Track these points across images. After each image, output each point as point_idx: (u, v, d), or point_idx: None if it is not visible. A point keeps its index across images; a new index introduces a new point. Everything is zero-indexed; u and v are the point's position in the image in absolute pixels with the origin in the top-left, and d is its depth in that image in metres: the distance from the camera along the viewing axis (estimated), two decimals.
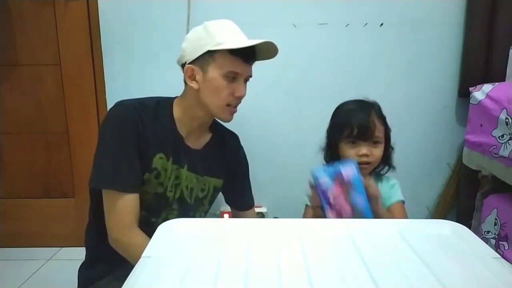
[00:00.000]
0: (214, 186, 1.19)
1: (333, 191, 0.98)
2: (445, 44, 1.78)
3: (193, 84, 1.05)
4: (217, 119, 1.16)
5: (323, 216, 1.00)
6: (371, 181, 1.02)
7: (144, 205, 1.04)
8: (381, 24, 1.77)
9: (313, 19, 1.76)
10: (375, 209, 0.99)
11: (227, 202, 1.33)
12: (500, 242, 1.46)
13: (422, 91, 1.82)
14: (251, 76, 1.09)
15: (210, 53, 1.02)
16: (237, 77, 1.03)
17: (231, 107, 1.06)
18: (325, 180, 1.00)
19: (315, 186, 1.01)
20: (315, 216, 1.06)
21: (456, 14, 1.74)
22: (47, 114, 1.91)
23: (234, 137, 1.29)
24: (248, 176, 1.31)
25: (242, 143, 1.33)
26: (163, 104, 1.09)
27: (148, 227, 0.94)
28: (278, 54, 1.91)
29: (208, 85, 1.03)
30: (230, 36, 1.02)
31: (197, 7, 1.75)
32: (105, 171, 0.99)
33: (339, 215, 0.98)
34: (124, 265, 0.74)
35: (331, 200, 0.98)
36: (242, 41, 1.02)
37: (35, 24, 1.81)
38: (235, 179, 1.26)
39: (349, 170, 0.99)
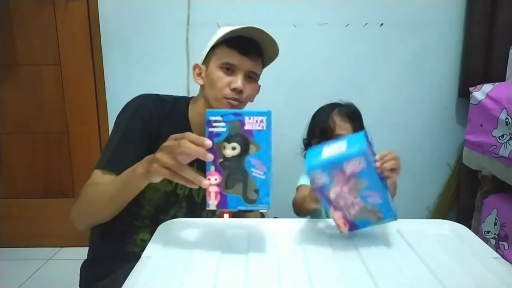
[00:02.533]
0: None
1: (334, 187, 0.76)
2: (445, 44, 1.78)
3: (199, 81, 1.08)
4: None
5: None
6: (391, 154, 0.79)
7: (152, 204, 1.04)
8: (381, 24, 1.77)
9: (313, 19, 1.77)
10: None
11: None
12: (500, 242, 1.46)
13: (422, 91, 1.82)
14: (255, 73, 1.06)
15: (212, 50, 1.05)
16: (235, 70, 1.02)
17: (230, 100, 1.03)
18: (320, 177, 0.75)
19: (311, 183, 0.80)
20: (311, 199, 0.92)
21: (456, 14, 1.74)
22: (47, 114, 1.91)
23: None
24: None
25: None
26: (180, 102, 1.10)
27: (156, 225, 0.94)
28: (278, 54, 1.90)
29: (208, 78, 1.04)
30: (229, 31, 1.02)
31: (197, 7, 1.75)
32: (105, 155, 0.99)
33: (346, 215, 0.78)
34: (126, 266, 0.74)
35: (333, 199, 0.77)
36: (230, 28, 1.02)
37: (35, 24, 1.82)
38: None
39: (355, 163, 0.73)
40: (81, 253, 1.15)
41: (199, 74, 1.08)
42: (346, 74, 1.82)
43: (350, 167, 0.73)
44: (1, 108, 1.90)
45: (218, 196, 0.72)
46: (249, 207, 0.72)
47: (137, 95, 1.10)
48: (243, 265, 0.72)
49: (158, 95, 1.09)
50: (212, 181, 0.72)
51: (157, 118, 1.02)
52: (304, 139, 1.20)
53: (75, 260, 1.16)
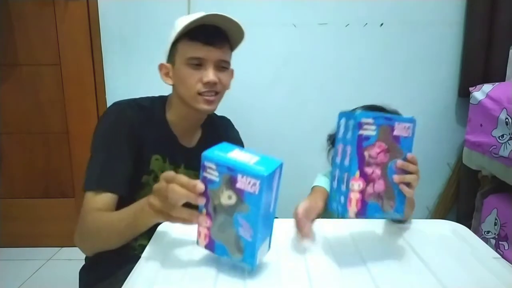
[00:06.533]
0: None
1: (373, 146, 0.70)
2: (445, 44, 1.78)
3: (168, 81, 1.03)
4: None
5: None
6: (414, 158, 0.75)
7: None
8: (381, 24, 1.77)
9: (313, 19, 1.76)
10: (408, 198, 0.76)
11: None
12: (500, 242, 1.46)
13: (422, 91, 1.82)
14: (225, 61, 1.02)
15: (174, 46, 1.00)
16: (203, 63, 0.97)
17: (204, 95, 1.00)
18: (369, 125, 0.69)
19: (346, 131, 0.71)
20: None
21: (456, 14, 1.74)
22: (47, 114, 1.91)
23: (224, 119, 1.26)
24: None
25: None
26: (157, 104, 1.07)
27: (154, 230, 0.93)
28: (278, 54, 1.91)
29: (177, 77, 1.00)
30: (188, 22, 0.97)
31: (197, 7, 1.75)
32: (93, 173, 0.96)
33: (366, 188, 0.70)
34: (127, 267, 0.73)
35: (366, 159, 0.69)
36: (188, 20, 0.96)
37: (35, 24, 1.82)
38: None
39: (404, 126, 0.72)
40: (81, 253, 1.14)
41: (167, 74, 1.03)
42: (346, 74, 1.82)
43: (399, 129, 0.71)
44: (1, 108, 1.90)
45: (207, 239, 0.69)
46: (233, 259, 0.68)
47: (136, 96, 1.09)
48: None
49: (133, 100, 1.05)
50: (202, 223, 0.69)
51: (138, 124, 0.99)
52: (329, 135, 1.14)
53: (75, 260, 1.16)
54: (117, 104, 1.03)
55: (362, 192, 0.70)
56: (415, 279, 0.68)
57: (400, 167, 0.72)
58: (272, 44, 1.79)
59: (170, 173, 0.69)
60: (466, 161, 1.66)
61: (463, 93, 1.73)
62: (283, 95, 1.84)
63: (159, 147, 1.03)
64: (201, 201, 0.66)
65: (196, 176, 1.16)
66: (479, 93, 1.53)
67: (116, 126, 0.98)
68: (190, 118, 1.08)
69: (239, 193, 0.64)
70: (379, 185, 0.71)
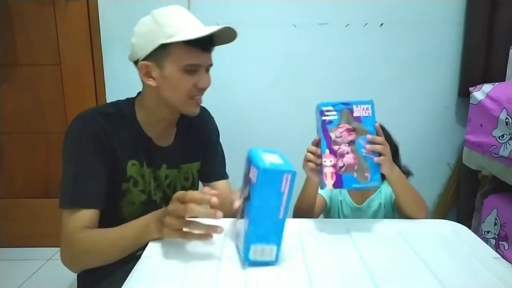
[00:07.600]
0: (197, 170, 1.16)
1: (337, 127, 0.83)
2: (445, 44, 1.78)
3: (151, 82, 0.97)
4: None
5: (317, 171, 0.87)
6: (380, 129, 0.87)
7: (133, 217, 0.96)
8: (381, 24, 1.77)
9: (313, 19, 1.77)
10: (383, 166, 0.86)
11: (201, 178, 1.22)
12: (500, 242, 1.46)
13: (422, 91, 1.82)
14: (211, 65, 1.02)
15: (164, 47, 0.94)
16: (198, 69, 0.96)
17: (195, 99, 1.00)
18: (329, 111, 0.84)
19: (317, 121, 0.86)
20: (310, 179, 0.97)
21: (456, 14, 1.74)
22: (47, 114, 1.91)
23: (202, 109, 1.19)
24: (220, 145, 1.24)
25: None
26: (124, 108, 1.03)
27: None
28: (278, 54, 1.91)
29: (167, 81, 0.96)
30: (182, 25, 0.95)
31: (197, 7, 1.75)
32: (68, 191, 0.94)
33: (337, 163, 0.84)
34: (124, 267, 0.73)
35: (333, 139, 0.84)
36: (196, 31, 0.93)
37: (35, 24, 1.82)
38: (208, 148, 1.18)
39: (363, 108, 0.83)
40: None
41: (148, 74, 0.98)
42: (346, 74, 1.82)
43: (358, 111, 0.83)
44: (1, 108, 1.90)
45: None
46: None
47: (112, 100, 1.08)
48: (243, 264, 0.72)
49: (96, 109, 1.03)
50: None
51: (105, 134, 0.96)
52: None
53: None
54: (79, 118, 0.99)
55: (335, 166, 0.83)
56: (415, 279, 0.68)
57: (369, 140, 0.84)
58: (272, 44, 1.79)
59: (180, 193, 0.75)
60: (466, 161, 1.66)
61: (463, 93, 1.73)
62: (283, 95, 1.84)
63: (134, 152, 1.01)
64: (219, 216, 0.72)
65: (179, 172, 1.15)
66: (479, 93, 1.53)
67: (82, 140, 0.95)
68: (168, 119, 1.06)
69: (249, 183, 0.71)
70: (348, 159, 0.83)
